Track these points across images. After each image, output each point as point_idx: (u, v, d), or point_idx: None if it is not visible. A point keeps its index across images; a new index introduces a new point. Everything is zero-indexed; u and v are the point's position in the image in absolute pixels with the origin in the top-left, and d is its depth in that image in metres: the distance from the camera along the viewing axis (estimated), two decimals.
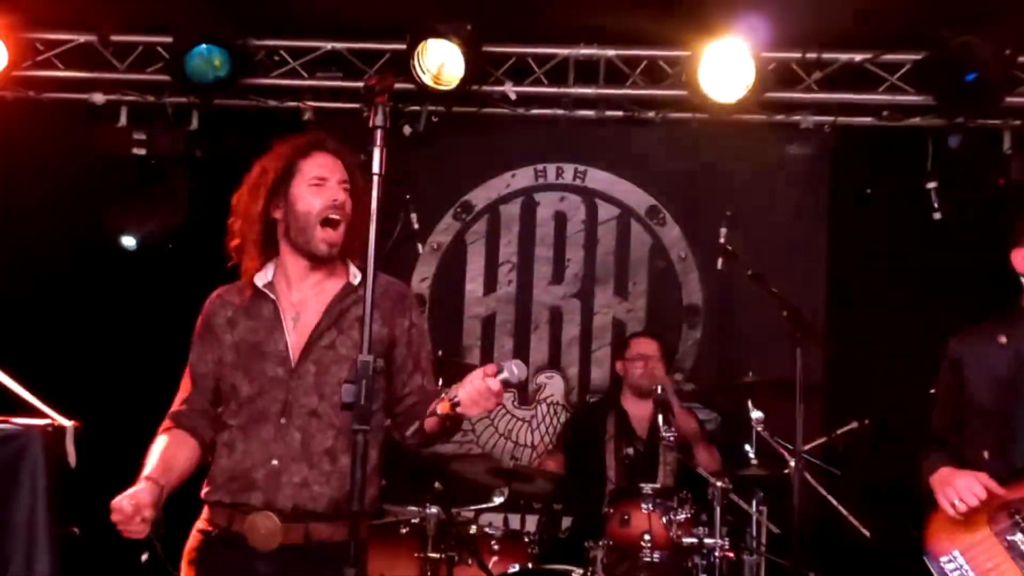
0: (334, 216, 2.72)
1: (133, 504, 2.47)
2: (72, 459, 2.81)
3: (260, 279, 2.77)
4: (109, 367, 5.53)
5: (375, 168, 2.49)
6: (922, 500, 3.14)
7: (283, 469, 2.65)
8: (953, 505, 3.00)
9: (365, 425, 2.39)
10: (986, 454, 3.09)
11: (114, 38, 5.50)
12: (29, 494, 2.42)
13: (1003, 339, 3.14)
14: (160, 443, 2.71)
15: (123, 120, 5.64)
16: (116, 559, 4.96)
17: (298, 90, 5.58)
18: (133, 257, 5.71)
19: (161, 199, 5.65)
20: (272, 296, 2.76)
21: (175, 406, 2.78)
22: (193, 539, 2.70)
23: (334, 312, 2.74)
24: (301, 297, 2.77)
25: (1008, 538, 2.98)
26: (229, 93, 5.41)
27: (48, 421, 2.73)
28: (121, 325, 5.63)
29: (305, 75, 5.53)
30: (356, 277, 2.79)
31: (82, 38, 5.51)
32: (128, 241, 5.57)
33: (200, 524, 2.70)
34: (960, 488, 2.99)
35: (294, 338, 2.72)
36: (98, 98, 5.61)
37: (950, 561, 3.02)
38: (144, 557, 2.56)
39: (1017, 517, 2.97)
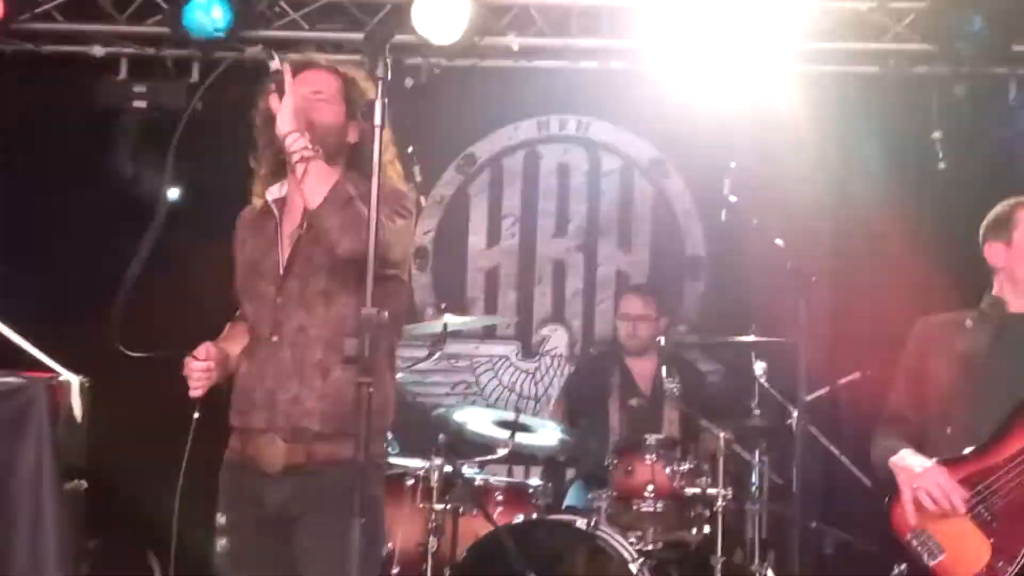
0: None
1: (203, 355, 2.65)
2: (78, 413, 2.83)
3: (271, 193, 2.83)
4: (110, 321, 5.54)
5: (376, 120, 2.48)
6: (877, 479, 3.22)
7: (277, 388, 2.69)
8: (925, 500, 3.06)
9: (369, 378, 2.41)
10: (949, 430, 3.18)
11: None
12: (35, 447, 2.45)
13: (969, 322, 3.27)
14: (227, 328, 2.88)
15: (123, 73, 5.61)
16: (121, 512, 5.04)
17: (299, 42, 5.53)
18: (137, 210, 5.69)
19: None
20: (276, 213, 2.81)
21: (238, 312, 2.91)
22: (223, 465, 2.78)
23: (311, 222, 2.75)
24: (298, 212, 2.79)
25: (974, 511, 3.05)
26: (229, 45, 5.37)
27: (54, 375, 2.74)
28: (120, 280, 5.63)
29: (306, 27, 5.49)
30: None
31: None
32: (172, 192, 5.52)
33: (227, 452, 2.78)
34: (937, 496, 3.06)
35: (285, 255, 2.77)
36: (97, 50, 5.57)
37: (917, 536, 3.07)
38: (196, 415, 2.64)
39: (980, 487, 3.05)
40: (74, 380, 2.70)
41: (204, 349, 2.69)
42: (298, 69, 2.81)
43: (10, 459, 2.45)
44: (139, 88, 5.45)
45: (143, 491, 5.30)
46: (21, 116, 5.64)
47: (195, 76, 5.57)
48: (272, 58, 2.78)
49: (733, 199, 4.25)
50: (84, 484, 2.85)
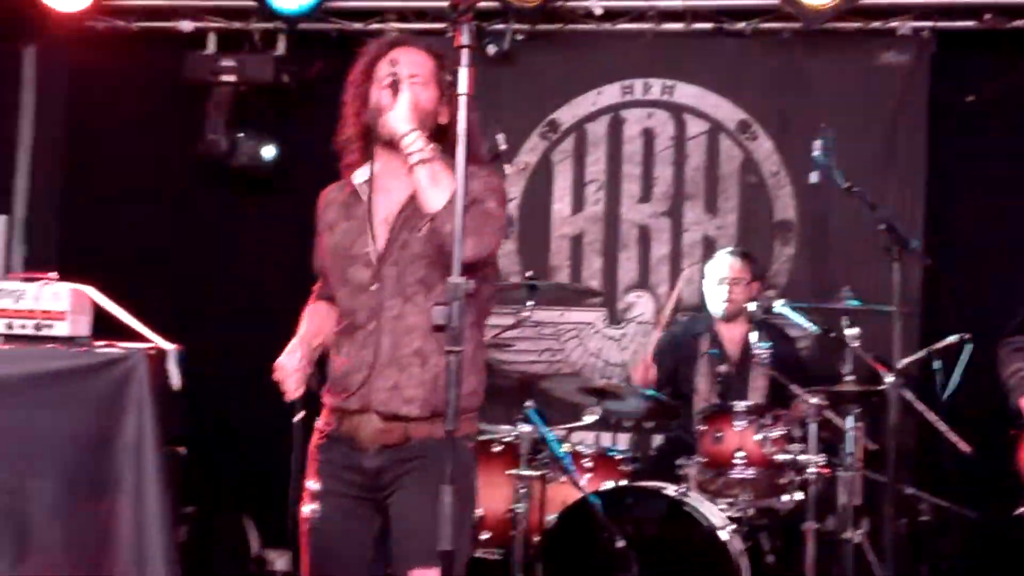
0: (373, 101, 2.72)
1: (290, 362, 2.63)
2: (175, 381, 2.90)
3: (358, 177, 2.81)
4: (208, 291, 5.66)
5: (462, 88, 2.48)
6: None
7: (376, 375, 2.70)
8: None
9: (458, 346, 2.42)
10: None
11: None
12: (136, 415, 2.52)
13: None
14: (307, 313, 2.87)
15: (211, 47, 5.70)
16: (217, 479, 5.17)
17: (382, 12, 5.58)
18: (225, 183, 5.80)
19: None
20: (365, 197, 2.79)
21: (317, 289, 2.93)
22: (314, 436, 2.81)
23: (408, 209, 2.75)
24: (390, 197, 2.78)
25: None
26: (313, 18, 5.42)
27: (151, 344, 2.81)
28: (215, 250, 5.75)
29: None
30: None
31: None
32: (267, 152, 5.63)
33: (319, 423, 2.81)
34: None
35: (379, 242, 2.75)
36: (185, 25, 5.67)
37: None
38: (297, 418, 2.68)
39: None
40: (171, 349, 2.76)
41: (294, 355, 2.66)
42: (387, 49, 2.79)
43: (113, 426, 2.52)
44: (227, 62, 5.53)
45: (238, 458, 5.47)
46: (112, 91, 5.78)
47: (281, 49, 5.64)
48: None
49: (823, 160, 4.18)
50: (183, 451, 2.92)
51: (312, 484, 2.79)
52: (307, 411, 2.70)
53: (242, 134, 5.63)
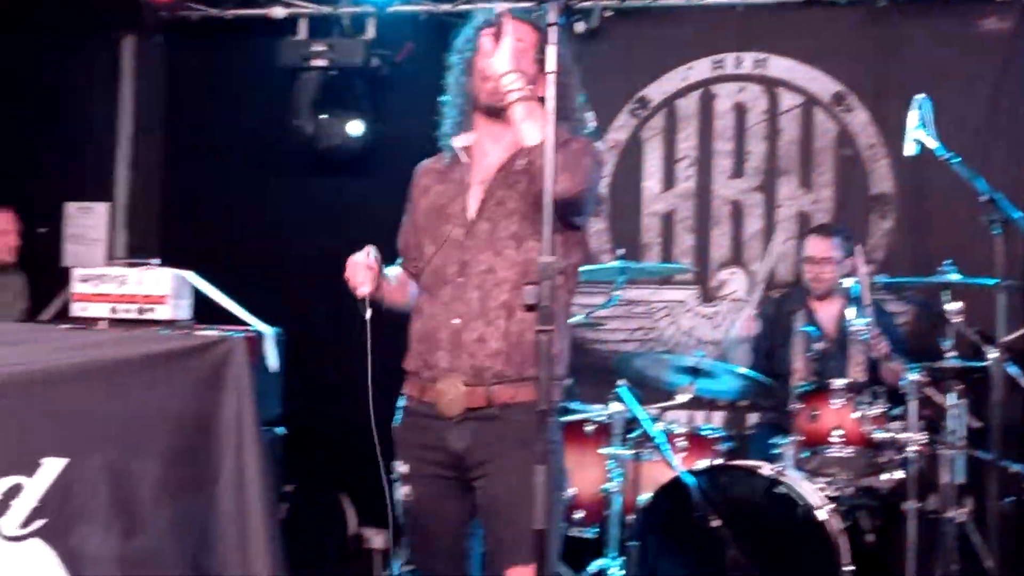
0: (489, 74, 2.76)
1: (360, 257, 2.72)
2: (273, 362, 2.94)
3: (459, 141, 2.90)
4: (304, 273, 5.74)
5: (550, 66, 2.48)
6: None
7: (463, 327, 2.74)
8: None
9: (550, 325, 2.42)
10: None
11: None
12: (235, 396, 2.56)
13: None
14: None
15: (302, 33, 5.76)
16: (315, 458, 5.25)
17: None
18: (317, 167, 5.87)
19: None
20: (465, 159, 2.87)
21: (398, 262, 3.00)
22: (399, 413, 2.85)
23: (505, 169, 2.82)
24: (488, 160, 2.86)
25: None
26: (403, 0, 5.45)
27: (249, 327, 2.86)
28: (310, 233, 5.83)
29: None
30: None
31: None
32: (354, 128, 5.69)
33: (402, 399, 2.85)
34: None
35: (475, 201, 2.82)
36: (278, 11, 5.74)
37: None
38: (367, 315, 2.72)
39: None
40: (268, 332, 2.80)
41: (365, 250, 2.75)
42: (492, 23, 2.85)
43: (213, 408, 2.57)
44: (318, 47, 5.58)
45: (335, 438, 5.55)
46: (208, 78, 5.89)
47: (371, 32, 5.68)
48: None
49: (922, 132, 4.07)
50: (281, 431, 2.97)
51: (400, 466, 2.82)
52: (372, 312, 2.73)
53: (334, 118, 5.68)
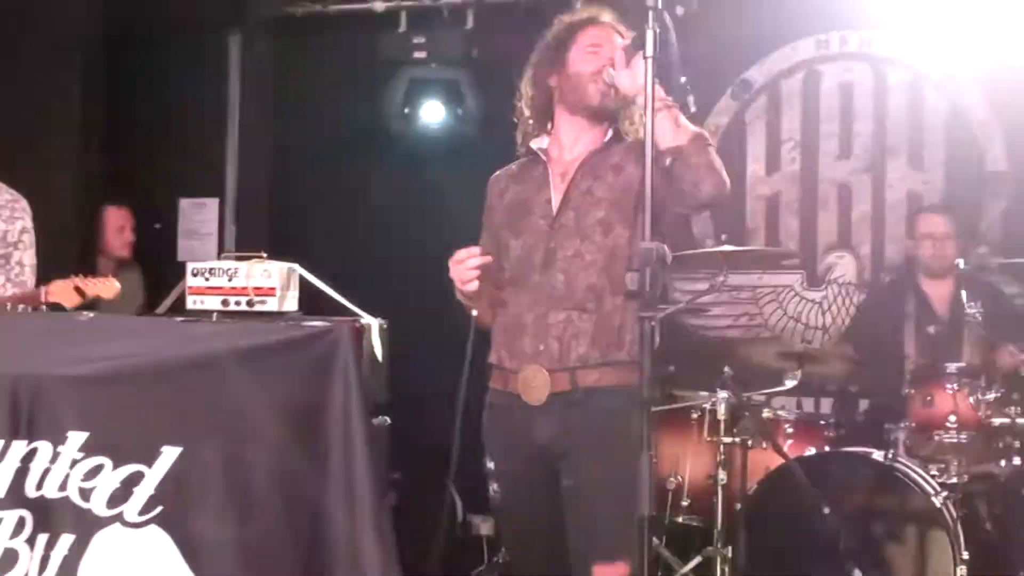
0: (605, 80, 2.79)
1: (465, 252, 2.72)
2: (379, 353, 2.98)
3: (536, 143, 2.93)
4: (411, 261, 5.79)
5: (648, 51, 2.46)
6: None
7: (549, 311, 2.76)
8: None
9: (652, 312, 2.41)
10: None
11: None
12: (343, 385, 2.60)
13: None
14: None
15: (403, 26, 5.81)
16: (421, 447, 5.30)
17: None
18: (419, 159, 5.91)
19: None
20: (543, 158, 2.90)
21: None
22: (485, 410, 2.89)
23: (590, 163, 2.85)
24: (569, 156, 2.89)
25: None
26: None
27: (356, 318, 2.90)
28: (413, 225, 5.88)
29: None
30: (610, 134, 2.90)
31: None
32: (436, 113, 5.75)
33: (488, 395, 2.88)
34: None
35: (557, 194, 2.84)
36: (378, 6, 5.80)
37: None
38: (475, 312, 2.77)
39: None
40: (374, 322, 2.84)
41: (468, 249, 2.75)
42: (583, 25, 2.91)
43: (322, 397, 2.61)
44: (418, 39, 5.62)
45: (440, 427, 5.59)
46: (313, 73, 5.98)
47: (470, 23, 5.70)
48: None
49: None
50: (388, 420, 3.01)
51: (489, 463, 2.84)
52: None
53: (431, 111, 5.73)
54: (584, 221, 2.79)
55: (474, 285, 2.71)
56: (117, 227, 5.52)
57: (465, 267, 2.71)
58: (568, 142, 2.90)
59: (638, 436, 2.38)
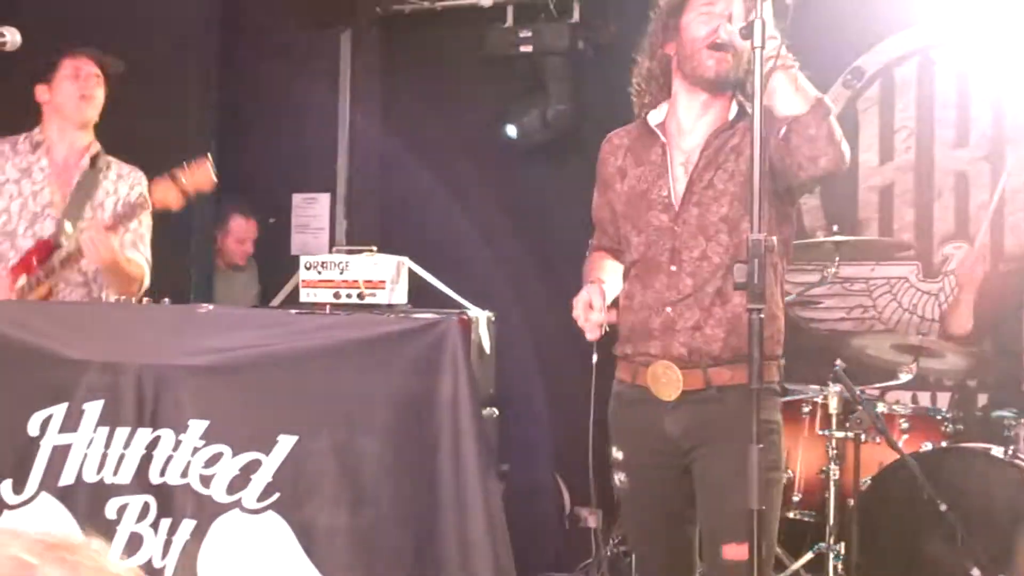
0: (720, 40, 2.65)
1: (588, 300, 2.64)
2: (487, 345, 3.01)
3: (653, 118, 2.81)
4: (517, 255, 5.83)
5: (756, 41, 2.43)
6: None
7: (677, 316, 2.69)
8: None
9: (760, 304, 2.39)
10: None
11: None
12: (452, 376, 2.63)
13: None
14: (591, 264, 2.92)
15: (509, 20, 5.83)
16: (529, 439, 5.33)
17: None
18: (525, 153, 5.93)
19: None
20: (662, 138, 2.78)
21: (593, 241, 2.97)
22: (612, 401, 2.85)
23: (711, 148, 2.73)
24: (690, 138, 2.77)
25: None
26: None
27: (464, 310, 2.93)
28: (521, 217, 5.91)
29: None
30: (733, 112, 2.76)
31: None
32: (511, 130, 5.77)
33: (615, 384, 2.84)
34: None
35: (679, 184, 2.74)
36: (485, 1, 5.84)
37: None
38: (595, 359, 2.71)
39: None
40: (481, 315, 2.87)
41: (598, 293, 2.66)
42: None
43: (431, 388, 2.64)
44: (524, 33, 5.63)
45: (548, 419, 5.63)
46: (421, 68, 6.05)
47: (576, 16, 5.69)
48: None
49: None
50: (496, 412, 3.04)
51: (616, 453, 2.82)
52: (600, 356, 2.71)
53: (535, 108, 5.75)
54: (708, 218, 2.70)
55: (593, 336, 2.62)
56: (239, 237, 5.65)
57: (589, 322, 2.62)
58: (688, 120, 2.77)
59: (768, 427, 2.39)
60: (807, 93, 2.58)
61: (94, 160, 3.80)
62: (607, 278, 2.81)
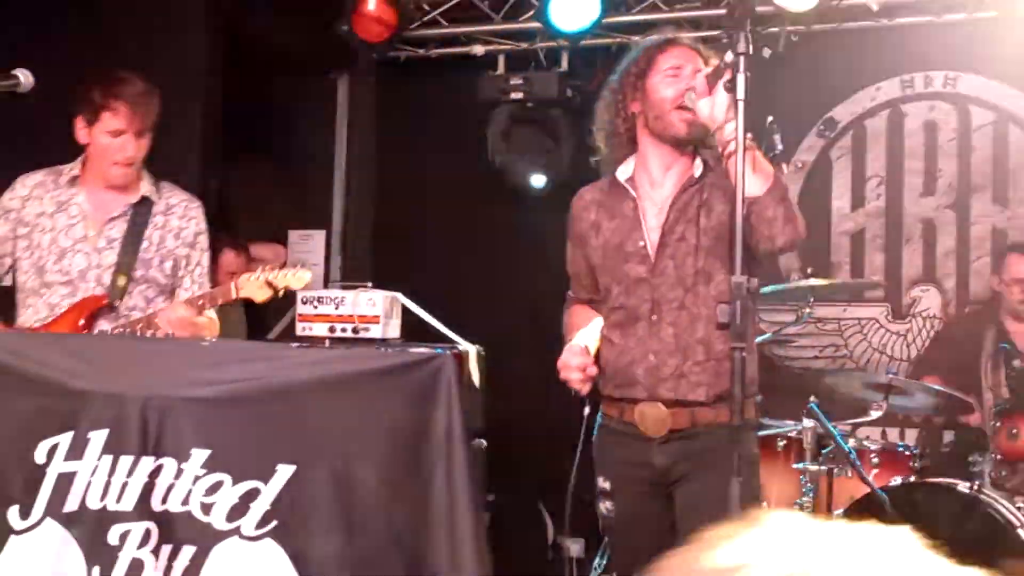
0: (688, 104, 2.68)
1: (576, 357, 2.68)
2: (476, 379, 3.01)
3: (622, 173, 2.83)
4: (505, 292, 5.83)
5: (740, 94, 2.46)
6: None
7: (660, 364, 2.71)
8: None
9: (742, 343, 2.41)
10: None
11: None
12: (445, 408, 2.62)
13: None
14: (571, 317, 2.93)
15: (501, 68, 5.88)
16: (514, 470, 5.32)
17: (657, 23, 5.56)
18: (514, 194, 5.96)
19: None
20: (633, 193, 2.80)
21: (570, 294, 2.99)
22: (598, 433, 2.86)
23: (680, 203, 2.75)
24: (660, 192, 2.79)
25: None
26: (595, 33, 5.49)
27: (455, 345, 2.93)
28: (508, 258, 5.92)
29: (665, 8, 5.51)
30: (699, 168, 2.77)
31: None
32: (538, 180, 5.80)
33: (600, 417, 2.85)
34: None
35: (652, 235, 2.76)
36: (478, 49, 5.87)
37: None
38: (586, 411, 2.75)
39: None
40: (472, 349, 2.87)
41: (581, 352, 2.71)
42: (663, 47, 2.82)
43: (425, 420, 2.63)
44: (515, 80, 5.68)
45: (533, 451, 5.61)
46: (415, 113, 6.08)
47: (564, 65, 5.74)
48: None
49: None
50: (484, 443, 3.03)
51: (602, 482, 2.82)
52: (591, 408, 2.75)
53: (525, 154, 5.78)
54: (684, 271, 2.72)
55: (584, 389, 2.68)
56: (229, 272, 5.58)
57: (574, 379, 2.67)
58: (657, 173, 2.79)
59: (746, 462, 2.41)
60: (765, 173, 2.60)
61: (140, 201, 3.46)
62: (588, 332, 2.84)
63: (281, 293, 3.32)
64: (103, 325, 3.38)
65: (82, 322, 3.36)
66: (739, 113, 2.46)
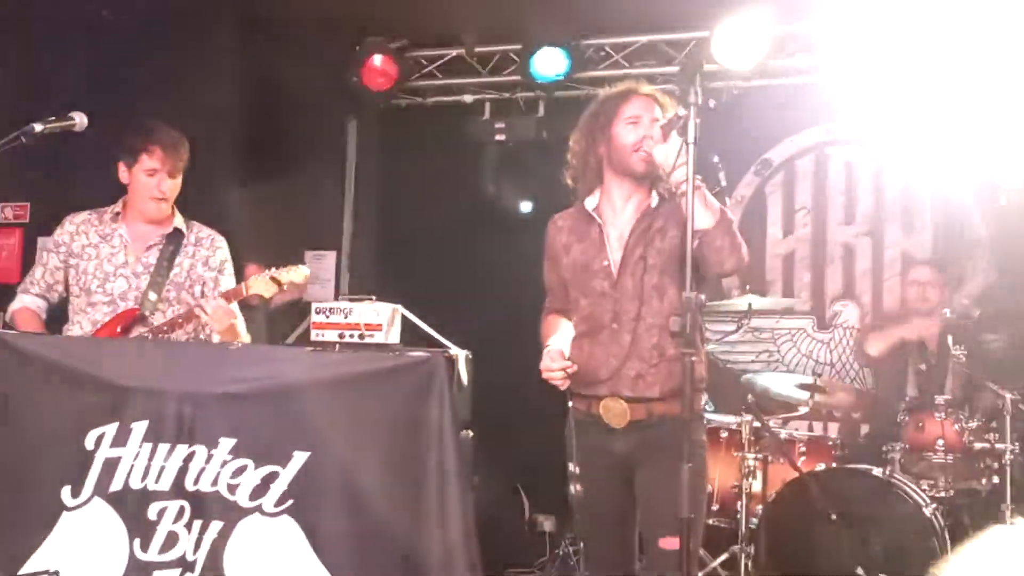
0: (646, 149, 2.73)
1: (555, 361, 2.70)
2: (465, 379, 3.00)
3: (589, 203, 2.86)
4: (489, 304, 5.82)
5: (690, 138, 2.47)
6: None
7: (621, 366, 2.73)
8: None
9: (691, 349, 2.41)
10: None
11: (478, 49, 5.74)
12: (438, 406, 2.61)
13: None
14: (547, 324, 2.93)
15: (487, 114, 5.89)
16: (496, 457, 5.30)
17: (621, 78, 5.56)
18: (500, 223, 5.96)
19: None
20: (599, 220, 2.83)
21: (547, 304, 2.99)
22: (568, 421, 2.85)
23: (639, 229, 2.78)
24: (621, 218, 2.82)
25: None
26: (566, 85, 5.51)
27: (446, 349, 2.93)
28: (495, 275, 5.91)
29: (626, 64, 5.53)
30: (655, 200, 2.82)
31: (454, 52, 5.80)
32: (525, 207, 5.83)
33: (571, 409, 2.84)
34: None
35: (615, 256, 2.79)
36: (467, 98, 5.90)
37: None
38: (570, 403, 2.75)
39: None
40: (461, 353, 2.86)
41: (559, 355, 2.72)
42: (625, 97, 2.83)
43: (421, 415, 2.62)
44: (499, 124, 5.71)
45: (513, 441, 5.60)
46: (413, 151, 6.08)
47: (541, 112, 5.76)
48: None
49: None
50: (471, 434, 3.02)
51: (573, 467, 2.81)
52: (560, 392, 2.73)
53: (511, 188, 5.80)
54: (641, 287, 2.74)
55: (565, 385, 2.71)
56: None
57: (554, 377, 2.69)
58: (619, 203, 2.83)
59: (694, 449, 2.43)
60: (714, 208, 2.62)
61: (173, 232, 3.48)
62: (561, 335, 2.85)
63: (285, 287, 3.36)
64: (137, 331, 3.38)
65: (119, 329, 3.37)
66: (690, 154, 2.47)
